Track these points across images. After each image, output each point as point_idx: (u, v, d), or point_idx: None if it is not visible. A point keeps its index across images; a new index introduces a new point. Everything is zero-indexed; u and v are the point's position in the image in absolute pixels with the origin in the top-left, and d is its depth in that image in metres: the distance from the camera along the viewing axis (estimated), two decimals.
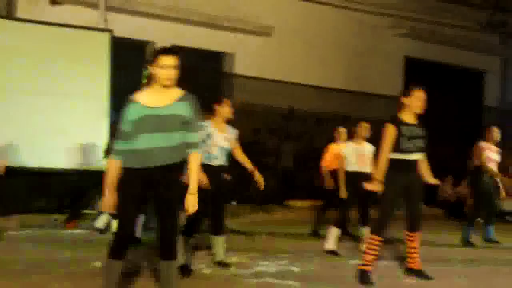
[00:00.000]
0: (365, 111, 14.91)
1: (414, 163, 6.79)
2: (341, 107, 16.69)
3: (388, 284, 6.72)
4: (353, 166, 8.79)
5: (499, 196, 10.61)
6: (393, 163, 6.65)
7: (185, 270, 6.68)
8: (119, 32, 13.10)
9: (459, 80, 20.13)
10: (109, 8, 13.98)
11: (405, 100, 6.80)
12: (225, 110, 7.16)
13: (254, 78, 15.85)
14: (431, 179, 7.09)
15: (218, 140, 7.05)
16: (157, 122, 4.86)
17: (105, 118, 12.07)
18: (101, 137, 11.31)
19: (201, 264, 7.25)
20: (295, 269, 7.37)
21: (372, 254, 6.66)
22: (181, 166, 4.96)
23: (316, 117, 16.37)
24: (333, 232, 8.74)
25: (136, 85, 6.34)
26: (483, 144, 10.19)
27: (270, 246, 9.15)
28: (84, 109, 12.03)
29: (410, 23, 18.59)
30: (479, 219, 10.75)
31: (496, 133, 10.26)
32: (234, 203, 14.17)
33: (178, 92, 4.98)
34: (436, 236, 10.89)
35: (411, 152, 6.70)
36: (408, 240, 7.04)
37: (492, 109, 21.07)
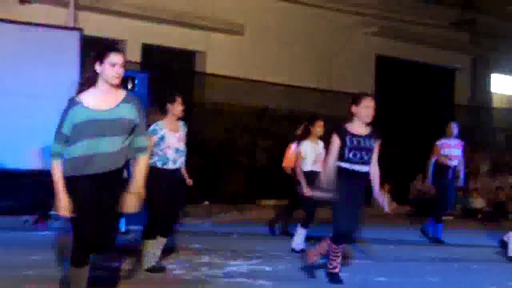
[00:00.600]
0: (338, 110, 14.93)
1: (358, 173, 6.49)
2: (314, 105, 16.70)
3: (360, 282, 6.73)
4: (309, 165, 8.75)
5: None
6: (339, 170, 6.48)
7: (158, 270, 6.67)
8: (90, 31, 12.98)
9: (430, 78, 20.27)
10: (79, 7, 13.87)
11: (353, 109, 6.54)
12: (177, 108, 6.92)
13: (226, 77, 15.81)
14: (376, 193, 6.70)
15: (172, 141, 6.90)
16: (101, 126, 4.61)
17: None
18: None
19: (172, 265, 7.20)
20: (267, 268, 7.36)
21: (335, 260, 6.60)
22: (122, 168, 4.77)
23: (288, 116, 16.37)
24: (301, 232, 8.74)
25: None
26: (439, 141, 10.42)
27: (243, 246, 9.11)
28: (52, 109, 11.85)
29: (381, 21, 18.68)
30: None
31: (453, 128, 10.40)
32: (206, 202, 14.12)
33: (122, 93, 4.76)
34: (407, 234, 10.95)
35: (355, 163, 6.44)
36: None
37: (462, 106, 21.26)
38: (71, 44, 12.33)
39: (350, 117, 6.58)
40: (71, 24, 13.32)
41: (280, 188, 14.52)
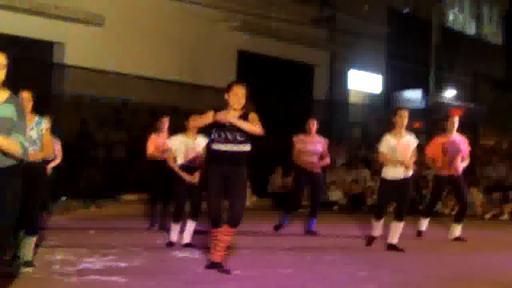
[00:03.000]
0: (199, 104, 14.97)
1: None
2: (175, 99, 16.67)
3: (216, 276, 6.77)
4: (180, 159, 8.75)
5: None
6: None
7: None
8: None
9: (289, 74, 20.71)
10: None
11: (225, 96, 6.89)
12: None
13: (86, 69, 15.43)
14: None
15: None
16: None
17: None
18: None
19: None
20: (122, 264, 7.27)
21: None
22: (17, 168, 4.66)
23: (149, 109, 16.22)
24: (174, 226, 8.74)
25: None
26: (297, 137, 10.70)
27: (98, 242, 8.95)
28: None
29: (243, 17, 18.88)
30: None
31: (311, 124, 10.67)
32: (64, 198, 13.75)
33: (4, 94, 4.68)
34: (264, 226, 11.14)
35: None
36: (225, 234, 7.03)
37: (321, 101, 21.88)
38: None
39: (226, 105, 6.87)
40: None
41: (140, 182, 14.41)
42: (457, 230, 10.36)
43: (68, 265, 7.05)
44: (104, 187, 14.80)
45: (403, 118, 9.06)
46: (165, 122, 10.67)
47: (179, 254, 8.17)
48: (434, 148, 10.45)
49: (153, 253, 8.15)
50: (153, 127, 10.94)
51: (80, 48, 15.59)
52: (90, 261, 7.39)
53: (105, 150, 15.67)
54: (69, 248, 8.17)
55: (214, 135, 6.82)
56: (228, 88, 6.88)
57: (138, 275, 6.68)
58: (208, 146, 7.10)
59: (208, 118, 6.74)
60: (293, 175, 11.22)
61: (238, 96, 6.83)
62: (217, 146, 6.82)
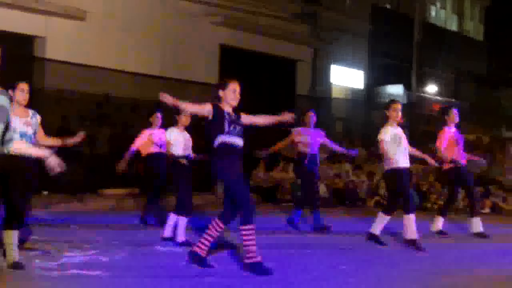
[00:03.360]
0: (182, 98, 14.91)
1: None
2: (157, 94, 16.58)
3: (196, 272, 6.77)
4: (180, 152, 8.72)
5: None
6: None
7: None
8: None
9: (273, 69, 20.71)
10: None
11: (220, 93, 6.90)
12: (17, 96, 6.82)
13: (68, 63, 15.34)
14: None
15: (18, 125, 6.66)
16: None
17: None
18: None
19: (1, 257, 6.92)
20: (104, 259, 7.25)
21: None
22: None
23: (132, 104, 16.17)
24: (172, 219, 8.68)
25: None
26: (296, 130, 10.61)
27: (80, 237, 8.91)
28: None
29: (225, 11, 18.83)
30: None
31: (310, 117, 10.68)
32: (46, 192, 13.68)
33: None
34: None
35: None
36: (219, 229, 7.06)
37: (304, 97, 21.90)
38: None
39: (219, 101, 6.91)
40: None
41: (121, 177, 14.33)
42: (440, 222, 10.40)
43: (49, 260, 7.02)
44: (86, 182, 14.73)
45: (398, 111, 9.09)
46: (159, 118, 10.72)
47: (161, 248, 8.17)
48: (447, 140, 10.25)
49: (135, 248, 8.14)
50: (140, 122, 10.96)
51: (61, 42, 15.48)
52: (71, 255, 7.36)
53: (87, 145, 15.58)
54: (51, 242, 8.12)
55: (228, 128, 6.79)
56: (224, 85, 6.89)
57: (120, 270, 6.67)
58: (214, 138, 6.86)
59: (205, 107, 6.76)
60: (292, 169, 10.95)
61: (236, 92, 6.87)
62: (231, 140, 6.81)
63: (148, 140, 10.65)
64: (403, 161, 8.94)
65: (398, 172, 8.87)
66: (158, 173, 10.36)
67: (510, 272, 7.50)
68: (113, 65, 16.16)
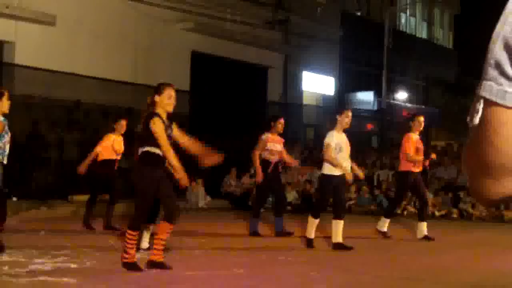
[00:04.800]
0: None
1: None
2: (128, 100, 16.53)
3: (168, 278, 6.74)
4: None
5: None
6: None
7: None
8: None
9: (244, 75, 20.73)
10: None
11: (156, 98, 6.77)
12: None
13: (37, 69, 15.21)
14: None
15: None
16: None
17: None
18: None
19: None
20: (73, 265, 7.18)
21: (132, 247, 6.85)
22: None
23: (102, 110, 16.07)
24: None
25: None
26: (267, 136, 10.48)
27: (49, 243, 8.82)
28: None
29: (197, 18, 18.83)
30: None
31: (281, 124, 10.57)
32: (14, 198, 13.52)
33: None
34: (220, 227, 11.13)
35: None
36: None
37: (275, 103, 21.97)
38: None
39: (152, 106, 6.78)
40: None
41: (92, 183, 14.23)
42: (424, 228, 10.48)
43: (17, 266, 6.93)
44: (55, 188, 14.60)
45: (350, 118, 9.19)
46: (124, 125, 10.71)
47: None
48: (412, 145, 10.40)
49: (105, 255, 8.07)
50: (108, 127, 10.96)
51: (31, 48, 15.36)
52: (40, 262, 7.27)
53: (57, 151, 15.46)
54: (19, 249, 8.03)
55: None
56: (160, 90, 6.77)
57: (89, 277, 6.61)
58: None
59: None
60: (261, 176, 10.70)
61: (172, 98, 6.78)
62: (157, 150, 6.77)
63: (110, 146, 10.61)
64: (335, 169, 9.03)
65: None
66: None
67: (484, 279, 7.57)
68: (83, 71, 16.05)
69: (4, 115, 7.34)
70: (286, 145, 10.98)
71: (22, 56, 15.30)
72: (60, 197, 14.37)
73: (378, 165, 19.18)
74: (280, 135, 10.70)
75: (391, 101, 27.72)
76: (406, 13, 31.75)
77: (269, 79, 22.15)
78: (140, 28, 17.76)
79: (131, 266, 6.81)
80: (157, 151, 6.68)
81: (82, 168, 10.62)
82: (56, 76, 15.54)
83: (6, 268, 6.83)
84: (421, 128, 10.59)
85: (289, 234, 10.53)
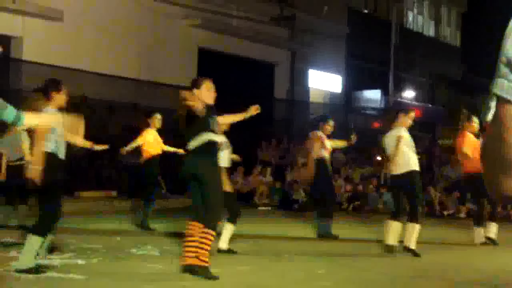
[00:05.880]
0: (157, 101, 14.90)
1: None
2: (133, 96, 16.55)
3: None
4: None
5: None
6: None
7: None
8: None
9: (250, 72, 20.70)
10: None
11: (194, 92, 6.69)
12: None
13: (44, 64, 15.24)
14: None
15: None
16: None
17: None
18: None
19: None
20: (80, 262, 7.20)
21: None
22: None
23: (108, 105, 16.09)
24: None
25: None
26: (319, 133, 10.19)
27: (56, 239, 8.83)
28: None
29: (204, 14, 18.83)
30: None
31: (330, 126, 10.27)
32: None
33: None
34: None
35: None
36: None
37: (282, 100, 21.94)
38: None
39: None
40: None
41: (97, 179, 14.28)
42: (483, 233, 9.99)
43: None
44: (62, 184, 14.60)
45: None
46: (160, 119, 10.53)
47: (137, 251, 8.12)
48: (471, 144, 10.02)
49: (111, 251, 8.08)
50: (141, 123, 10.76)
51: (38, 43, 15.39)
52: (47, 258, 7.29)
53: None
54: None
55: None
56: (198, 84, 6.70)
57: (96, 273, 6.62)
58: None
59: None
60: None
61: (212, 91, 6.75)
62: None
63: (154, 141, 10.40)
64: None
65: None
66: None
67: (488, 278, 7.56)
68: (88, 67, 16.06)
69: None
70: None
71: (29, 51, 15.33)
72: (66, 193, 14.37)
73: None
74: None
75: (398, 99, 27.65)
76: (413, 11, 31.65)
77: (275, 76, 22.12)
78: (146, 24, 17.76)
79: (208, 272, 6.45)
80: (215, 138, 6.66)
81: (128, 149, 10.37)
82: (62, 72, 15.54)
83: (14, 263, 6.85)
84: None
85: (335, 237, 10.02)
